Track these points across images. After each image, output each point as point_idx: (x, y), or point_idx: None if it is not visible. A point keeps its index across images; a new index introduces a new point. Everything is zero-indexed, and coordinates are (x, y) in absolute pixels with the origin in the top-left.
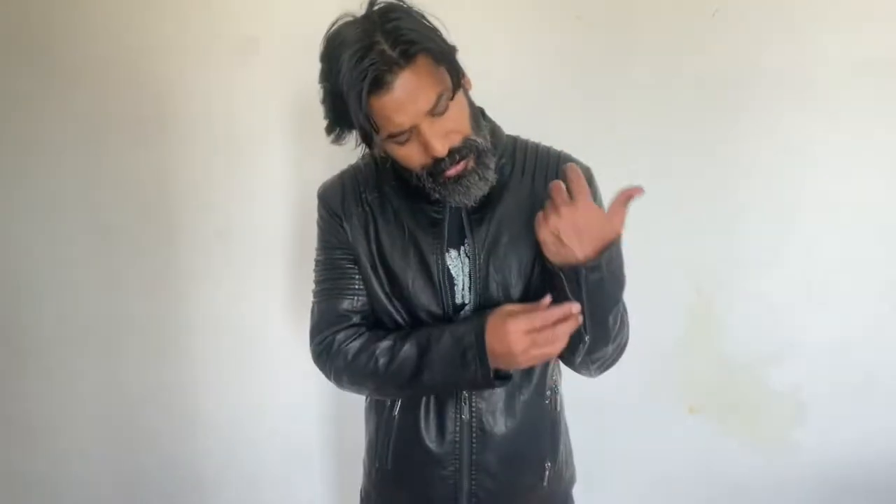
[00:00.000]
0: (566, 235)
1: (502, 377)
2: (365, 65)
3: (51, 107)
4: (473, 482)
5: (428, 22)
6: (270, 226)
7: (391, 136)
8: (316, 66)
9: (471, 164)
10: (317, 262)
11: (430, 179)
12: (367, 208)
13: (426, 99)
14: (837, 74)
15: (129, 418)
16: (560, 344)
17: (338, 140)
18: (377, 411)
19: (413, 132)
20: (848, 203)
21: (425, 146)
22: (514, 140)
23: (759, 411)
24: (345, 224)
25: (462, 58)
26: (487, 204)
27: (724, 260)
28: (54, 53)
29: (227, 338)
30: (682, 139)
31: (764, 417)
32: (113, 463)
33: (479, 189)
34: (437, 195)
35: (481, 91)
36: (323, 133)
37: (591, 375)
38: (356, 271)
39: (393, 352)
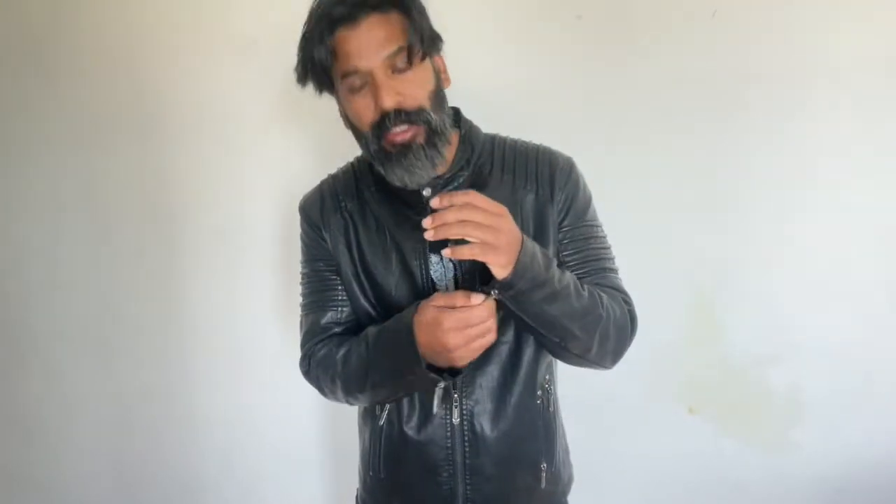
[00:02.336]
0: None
1: (452, 372)
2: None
3: (50, 107)
4: (469, 487)
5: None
6: (269, 226)
7: (346, 76)
8: None
9: (420, 138)
10: (302, 275)
11: (376, 143)
12: (347, 216)
13: (388, 45)
14: (837, 74)
15: (128, 418)
16: (492, 335)
17: (302, 82)
18: (369, 421)
19: (368, 82)
20: (848, 203)
21: (375, 98)
22: (493, 138)
23: (759, 411)
24: (325, 234)
25: (462, 57)
26: None
27: (724, 260)
28: (54, 53)
29: (225, 338)
30: (682, 139)
31: (764, 417)
32: (112, 463)
33: (422, 169)
34: (381, 169)
35: (481, 90)
36: (322, 133)
37: (604, 368)
38: (339, 282)
39: (347, 355)
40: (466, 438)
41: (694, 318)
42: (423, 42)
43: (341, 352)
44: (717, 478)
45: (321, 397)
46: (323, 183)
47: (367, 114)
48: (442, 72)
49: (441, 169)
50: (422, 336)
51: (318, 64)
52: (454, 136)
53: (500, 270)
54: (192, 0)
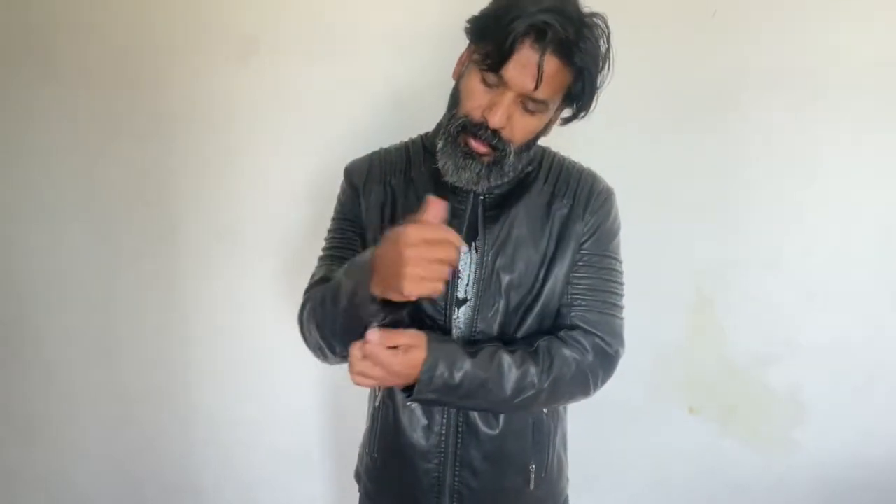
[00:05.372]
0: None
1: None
2: (548, 17)
3: (51, 107)
4: (457, 478)
5: (605, 66)
6: (270, 226)
7: (491, 68)
8: (314, 66)
9: (488, 158)
10: (328, 231)
11: (456, 128)
12: (389, 189)
13: (539, 91)
14: (837, 74)
15: (128, 419)
16: (445, 267)
17: (477, 24)
18: (370, 401)
19: (500, 89)
20: (848, 203)
21: (491, 106)
22: (544, 150)
23: (759, 411)
24: (361, 199)
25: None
26: (504, 204)
27: (725, 260)
28: (54, 54)
29: (226, 338)
30: (682, 139)
31: (764, 417)
32: (112, 463)
33: (468, 176)
34: (440, 146)
35: None
36: (322, 133)
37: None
38: (359, 244)
39: (324, 286)
40: (461, 429)
41: (694, 319)
42: (567, 117)
43: (320, 289)
44: (717, 478)
45: (322, 397)
46: (374, 153)
47: (475, 102)
48: (551, 124)
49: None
50: (381, 249)
51: (503, 50)
52: None
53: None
54: (192, 0)
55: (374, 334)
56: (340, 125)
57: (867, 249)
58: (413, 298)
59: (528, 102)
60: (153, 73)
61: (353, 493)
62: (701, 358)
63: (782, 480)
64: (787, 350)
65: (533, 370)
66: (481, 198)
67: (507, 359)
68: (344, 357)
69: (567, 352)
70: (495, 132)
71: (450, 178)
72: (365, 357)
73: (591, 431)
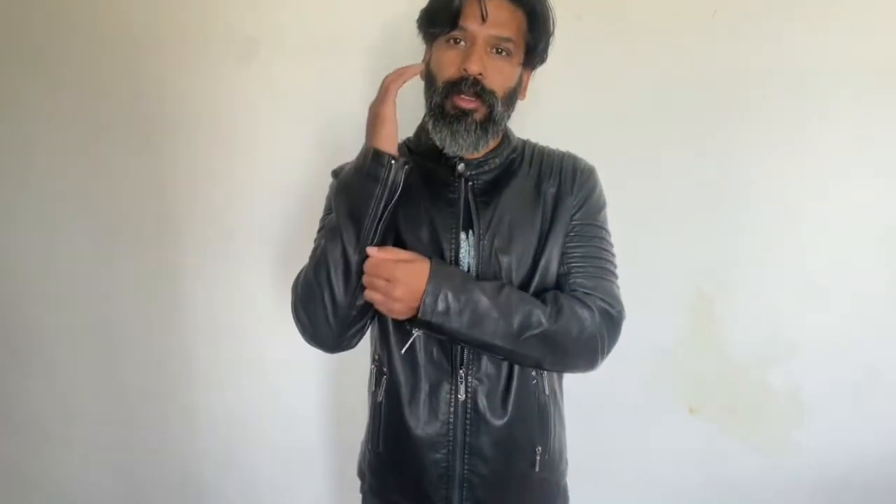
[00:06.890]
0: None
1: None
2: None
3: (51, 108)
4: (467, 466)
5: (552, 20)
6: (270, 226)
7: (452, 24)
8: (314, 66)
9: (478, 115)
10: (318, 232)
11: (440, 98)
12: None
13: (502, 28)
14: (837, 74)
15: (128, 418)
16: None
17: (423, 21)
18: (371, 396)
19: (467, 44)
20: (848, 203)
21: (465, 58)
22: (525, 141)
23: (759, 411)
24: None
25: None
26: (494, 189)
27: (725, 260)
28: (53, 55)
29: (226, 338)
30: (682, 139)
31: (764, 417)
32: (112, 462)
33: (465, 141)
34: (430, 124)
35: None
36: (322, 134)
37: (582, 372)
38: None
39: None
40: (469, 416)
41: (694, 318)
42: (528, 52)
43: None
44: (717, 478)
45: (323, 396)
46: None
47: (449, 68)
48: (524, 86)
49: (479, 154)
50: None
51: (452, 7)
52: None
53: (402, 316)
54: (192, 0)
55: (373, 249)
56: (341, 125)
57: (867, 249)
58: (395, 86)
59: (496, 45)
60: (153, 73)
61: (356, 491)
62: (701, 358)
63: (782, 480)
64: (787, 350)
65: (539, 310)
66: (470, 184)
67: (515, 293)
68: (342, 304)
69: (575, 305)
70: (477, 81)
71: (448, 148)
72: (370, 268)
73: (590, 431)
